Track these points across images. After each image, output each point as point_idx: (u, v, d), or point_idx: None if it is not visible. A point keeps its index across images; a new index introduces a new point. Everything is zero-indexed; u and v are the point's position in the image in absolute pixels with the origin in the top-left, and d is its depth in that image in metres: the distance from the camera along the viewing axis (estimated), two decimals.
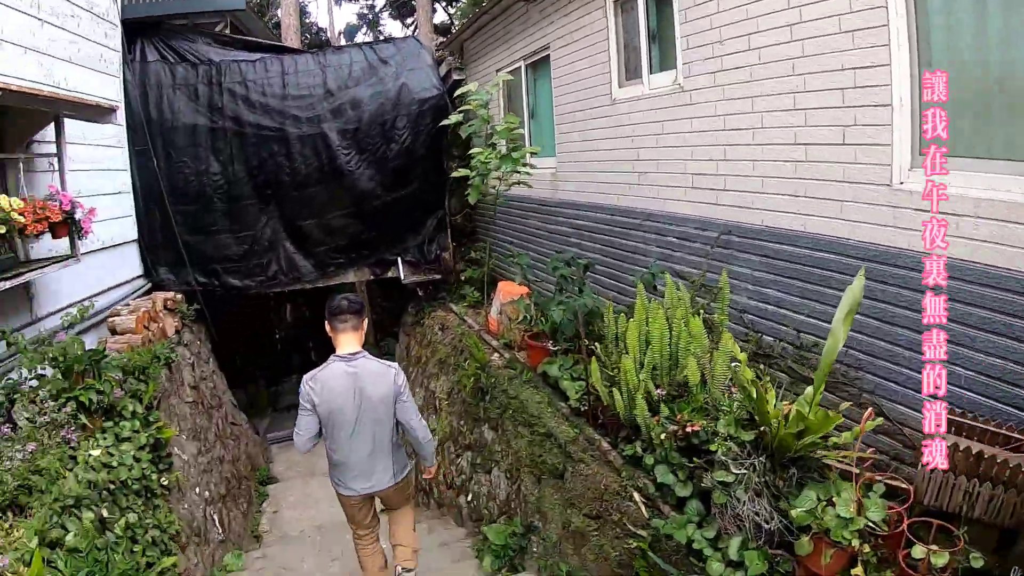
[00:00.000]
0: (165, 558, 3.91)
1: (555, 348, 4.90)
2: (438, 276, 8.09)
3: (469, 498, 5.27)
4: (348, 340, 3.38)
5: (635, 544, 3.30)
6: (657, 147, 4.83)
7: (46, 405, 4.00)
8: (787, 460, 2.92)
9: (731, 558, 2.86)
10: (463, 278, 7.70)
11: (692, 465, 3.30)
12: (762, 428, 2.95)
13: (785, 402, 3.13)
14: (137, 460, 4.19)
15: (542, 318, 5.01)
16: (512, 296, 6.05)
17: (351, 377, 3.31)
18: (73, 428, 3.93)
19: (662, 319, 3.81)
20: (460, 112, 6.42)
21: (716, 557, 2.94)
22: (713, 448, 3.09)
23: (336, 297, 3.45)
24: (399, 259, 8.02)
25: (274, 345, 13.67)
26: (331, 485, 3.77)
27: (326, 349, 3.53)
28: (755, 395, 2.88)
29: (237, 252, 7.63)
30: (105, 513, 3.61)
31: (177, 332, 6.84)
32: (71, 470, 3.68)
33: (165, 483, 4.57)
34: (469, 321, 6.68)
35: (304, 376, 3.34)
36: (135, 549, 3.77)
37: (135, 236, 7.25)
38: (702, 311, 4.05)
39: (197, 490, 5.35)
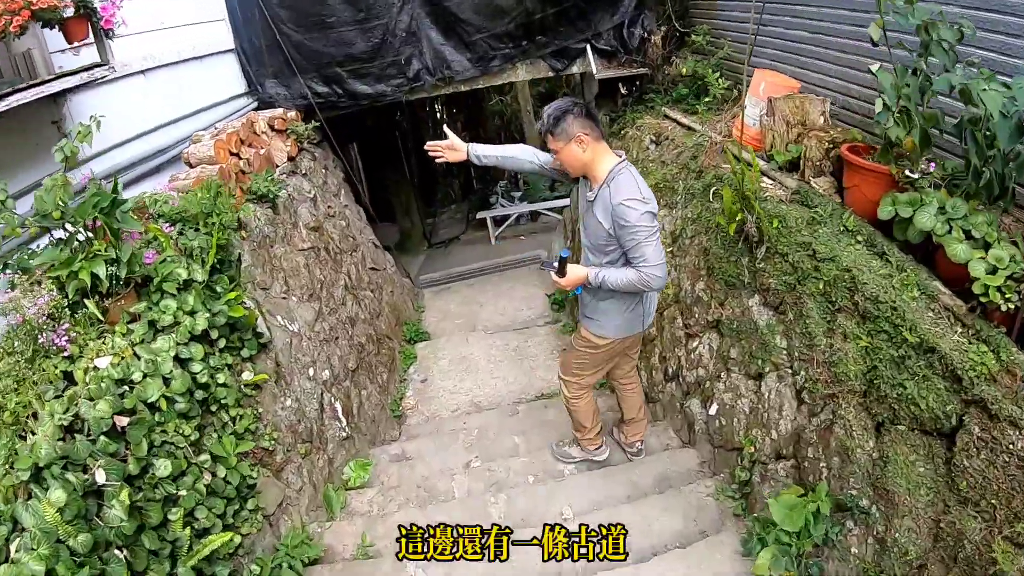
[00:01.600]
0: (215, 535, 2.54)
1: (914, 177, 2.53)
2: (643, 70, 5.64)
3: (712, 410, 3.36)
4: (606, 146, 2.69)
5: None
6: None
7: (38, 290, 2.58)
8: None
9: None
10: (680, 72, 5.17)
11: None
12: None
13: None
14: (183, 362, 2.75)
15: (902, 117, 2.53)
16: (788, 90, 3.60)
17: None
18: (68, 325, 2.48)
19: None
20: None
21: None
22: None
23: (566, 100, 2.66)
24: (588, 47, 5.65)
25: (428, 170, 12.16)
26: (608, 340, 3.01)
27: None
28: None
29: (365, 49, 5.68)
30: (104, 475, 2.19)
31: (292, 159, 5.29)
32: (54, 400, 2.27)
33: (246, 383, 3.18)
34: (700, 129, 4.31)
35: (630, 195, 2.53)
36: (172, 516, 2.40)
37: (231, 44, 5.57)
38: None
39: (312, 371, 4.02)
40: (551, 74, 5.87)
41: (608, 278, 2.65)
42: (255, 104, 5.67)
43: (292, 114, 5.51)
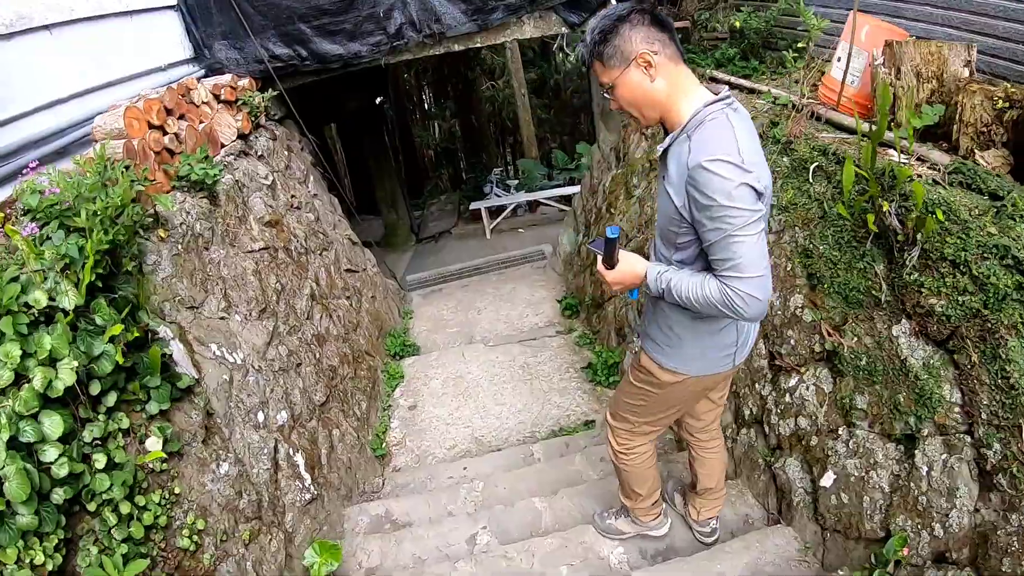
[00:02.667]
0: None
1: None
2: (682, 23, 4.63)
3: (827, 480, 2.37)
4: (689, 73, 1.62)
5: None
6: None
7: None
8: None
9: None
10: (727, 26, 4.15)
11: None
12: None
13: None
14: (28, 448, 1.72)
15: None
16: (898, 37, 2.62)
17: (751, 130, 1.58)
18: None
19: None
20: None
21: None
22: None
23: (630, 6, 1.59)
24: None
25: (413, 157, 11.09)
26: (682, 377, 1.96)
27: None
28: None
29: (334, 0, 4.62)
30: None
31: (244, 138, 4.23)
32: None
33: (151, 457, 2.15)
34: (769, 91, 3.30)
35: (716, 154, 1.47)
36: None
37: None
38: None
39: (262, 416, 3.00)
40: (564, 30, 4.83)
41: (676, 285, 1.68)
42: (202, 73, 4.59)
43: (245, 82, 4.44)
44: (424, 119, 18.83)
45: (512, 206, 9.42)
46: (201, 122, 3.70)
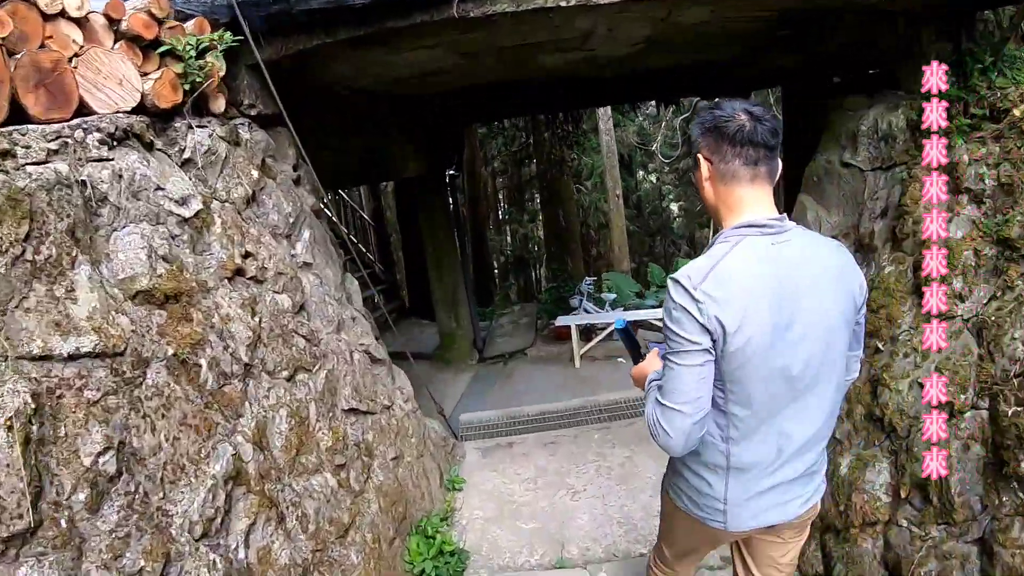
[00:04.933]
0: None
1: None
2: None
3: None
4: (760, 197, 1.45)
5: None
6: None
7: None
8: None
9: None
10: None
11: None
12: None
13: None
14: None
15: None
16: None
17: (785, 268, 1.39)
18: None
19: None
20: None
21: None
22: None
23: (728, 105, 1.44)
24: None
25: (484, 256, 8.83)
26: (677, 508, 1.71)
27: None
28: None
29: None
30: None
31: (160, 116, 2.00)
32: None
33: None
34: None
35: (678, 274, 1.40)
36: None
37: None
38: None
39: None
40: None
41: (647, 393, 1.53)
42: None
43: (192, 25, 2.29)
44: (498, 224, 17.13)
45: (609, 328, 6.94)
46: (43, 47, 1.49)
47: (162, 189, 1.92)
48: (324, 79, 4.01)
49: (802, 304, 1.38)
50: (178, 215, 1.94)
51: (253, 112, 2.58)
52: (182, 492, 1.62)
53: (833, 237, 3.17)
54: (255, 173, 2.41)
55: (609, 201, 11.35)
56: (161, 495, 1.58)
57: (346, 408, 2.60)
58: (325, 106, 4.23)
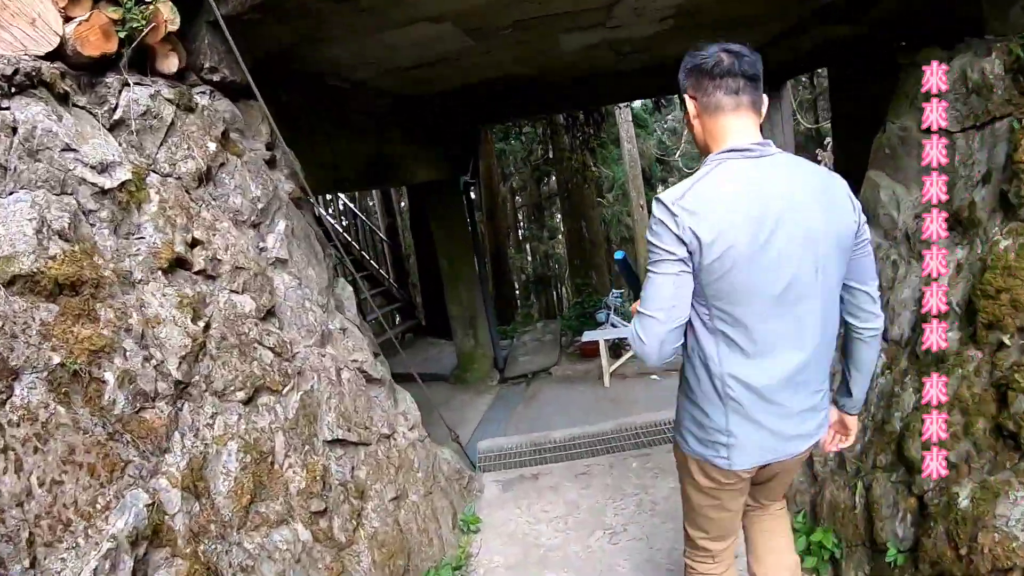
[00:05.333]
0: None
1: None
2: None
3: None
4: (745, 125, 1.49)
5: None
6: None
7: None
8: None
9: None
10: None
11: None
12: None
13: None
14: None
15: None
16: None
17: (765, 186, 1.43)
18: None
19: None
20: None
21: None
22: None
23: (708, 47, 1.51)
24: None
25: (504, 275, 8.33)
26: (685, 456, 1.71)
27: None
28: None
29: None
30: None
31: (84, 68, 1.55)
32: None
33: None
34: None
35: (662, 194, 1.49)
36: None
37: None
38: None
39: None
40: None
41: None
42: None
43: None
44: (518, 243, 16.68)
45: None
46: None
47: (74, 151, 1.47)
48: (318, 67, 3.60)
49: (784, 222, 1.40)
50: (94, 184, 1.49)
51: (216, 77, 2.14)
52: (62, 559, 1.13)
53: (916, 216, 2.63)
54: (212, 146, 1.95)
55: (633, 212, 10.82)
56: (28, 563, 1.09)
57: (329, 439, 2.09)
58: (322, 101, 3.82)
